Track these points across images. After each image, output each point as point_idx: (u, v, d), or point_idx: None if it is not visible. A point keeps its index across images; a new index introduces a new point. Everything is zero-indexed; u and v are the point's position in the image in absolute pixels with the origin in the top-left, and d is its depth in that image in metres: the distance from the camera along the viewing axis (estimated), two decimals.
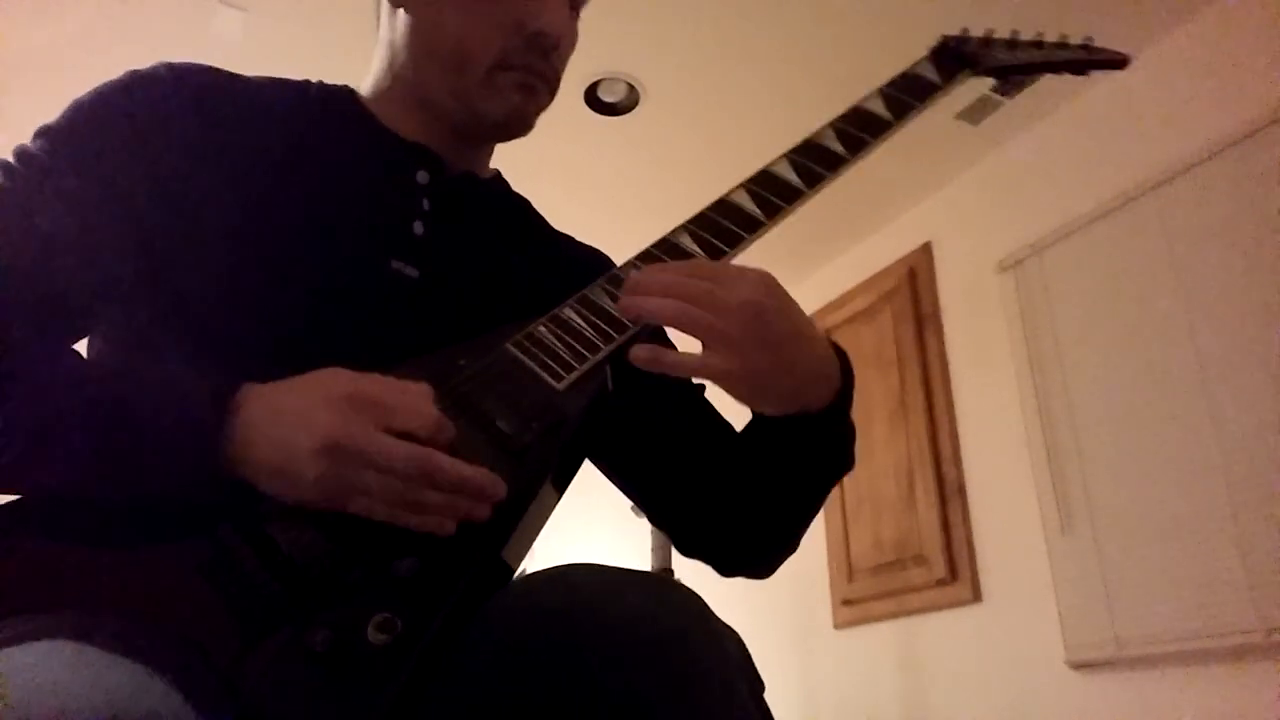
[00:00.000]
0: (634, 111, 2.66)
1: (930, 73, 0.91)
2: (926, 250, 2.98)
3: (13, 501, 0.61)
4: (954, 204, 2.92)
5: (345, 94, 0.83)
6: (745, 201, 0.79)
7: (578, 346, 0.70)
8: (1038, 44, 0.99)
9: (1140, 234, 2.32)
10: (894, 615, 2.78)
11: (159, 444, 0.58)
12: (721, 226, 0.78)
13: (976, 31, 0.99)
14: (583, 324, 0.72)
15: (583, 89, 2.57)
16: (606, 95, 2.61)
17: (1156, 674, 2.10)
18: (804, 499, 0.80)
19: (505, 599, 0.59)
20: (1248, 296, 2.06)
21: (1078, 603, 2.27)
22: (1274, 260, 2.03)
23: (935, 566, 2.65)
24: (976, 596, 2.55)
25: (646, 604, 0.55)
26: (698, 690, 0.53)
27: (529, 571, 0.64)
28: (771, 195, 0.79)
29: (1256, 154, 2.10)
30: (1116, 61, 1.00)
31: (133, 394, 0.60)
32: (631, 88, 2.58)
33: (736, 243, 0.77)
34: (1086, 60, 0.99)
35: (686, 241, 0.77)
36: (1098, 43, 1.01)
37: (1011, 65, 0.97)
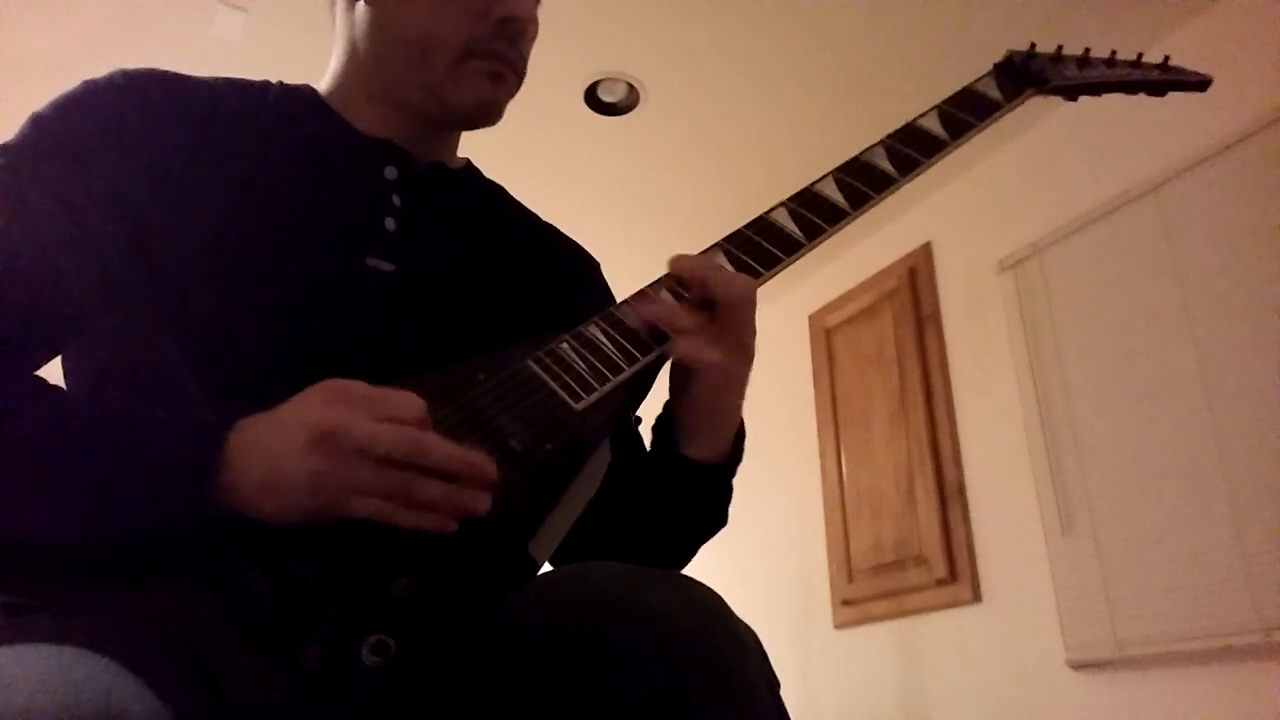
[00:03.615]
0: (634, 111, 2.66)
1: (993, 90, 0.86)
2: (926, 250, 2.98)
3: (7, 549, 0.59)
4: (954, 204, 2.92)
5: (306, 93, 0.82)
6: (785, 221, 0.76)
7: (600, 366, 0.68)
8: (1110, 62, 0.93)
9: (1140, 234, 2.32)
10: (894, 615, 2.77)
11: (149, 482, 0.57)
12: (759, 247, 0.75)
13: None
14: (606, 343, 0.70)
15: (583, 89, 2.57)
16: (606, 95, 2.61)
17: (1156, 674, 2.10)
18: (673, 539, 0.80)
19: (526, 595, 0.59)
20: (1248, 296, 2.06)
21: (1078, 603, 2.27)
22: (1274, 260, 2.03)
23: (935, 566, 2.65)
24: (976, 596, 2.55)
25: (668, 600, 0.55)
26: (719, 687, 0.52)
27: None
28: (814, 216, 0.75)
29: (1256, 154, 2.10)
30: (1198, 83, 0.93)
31: (121, 431, 0.59)
32: (631, 88, 2.58)
33: (773, 264, 0.74)
34: (1165, 81, 0.93)
35: (721, 260, 0.74)
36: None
37: (1082, 85, 0.90)
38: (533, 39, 0.81)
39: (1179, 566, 2.07)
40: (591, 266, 0.92)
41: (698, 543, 0.81)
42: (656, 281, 0.75)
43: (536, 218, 0.91)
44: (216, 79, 0.79)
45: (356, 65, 0.80)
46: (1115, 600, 2.19)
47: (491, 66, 0.77)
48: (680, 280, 0.73)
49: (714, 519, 0.80)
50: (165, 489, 0.57)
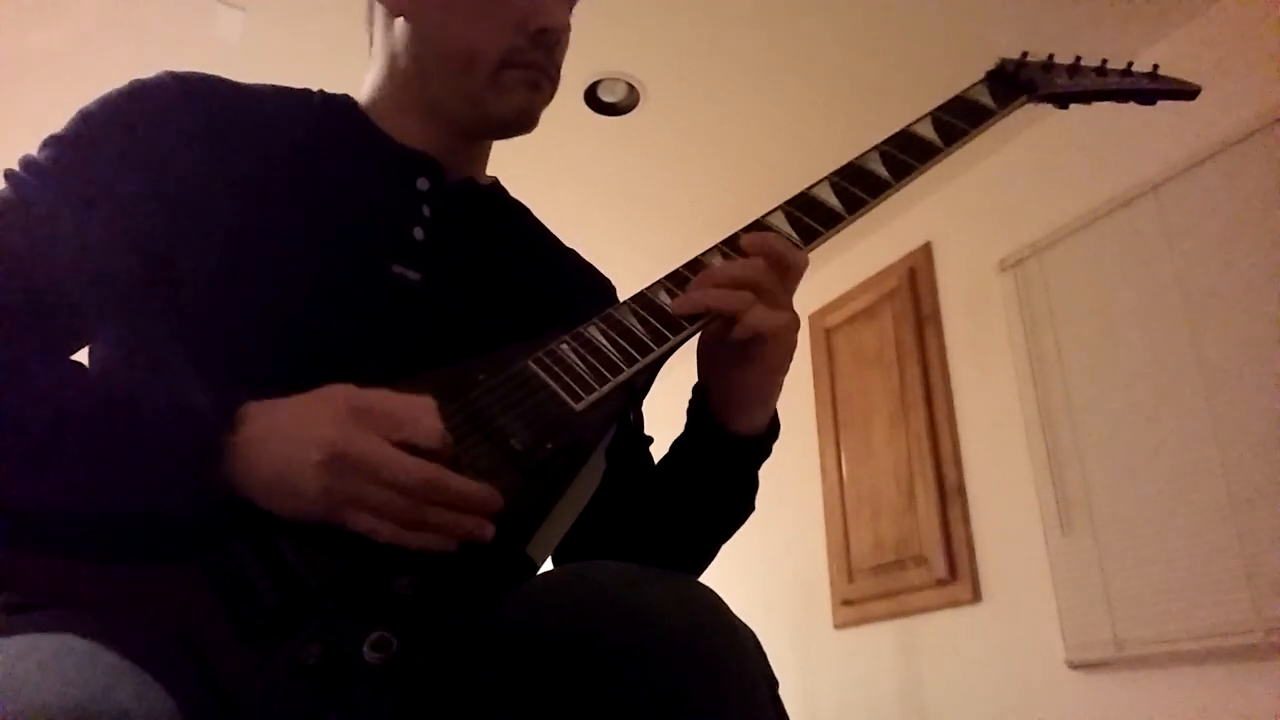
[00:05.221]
0: (634, 111, 2.66)
1: (985, 97, 0.87)
2: (926, 250, 2.99)
3: (17, 517, 0.60)
4: (954, 204, 2.92)
5: (346, 103, 0.84)
6: (782, 224, 0.77)
7: (599, 367, 0.69)
8: (1101, 70, 0.95)
9: (1140, 234, 2.32)
10: (894, 615, 2.77)
11: (159, 459, 0.58)
12: None
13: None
14: (606, 344, 0.70)
15: (583, 89, 2.57)
16: (606, 95, 2.61)
17: (1156, 674, 2.10)
18: (712, 526, 0.81)
19: (525, 595, 0.60)
20: (1248, 296, 2.06)
21: (1078, 603, 2.27)
22: (1274, 260, 2.03)
23: (935, 566, 2.65)
24: (976, 596, 2.55)
25: (667, 600, 0.55)
26: (718, 686, 0.53)
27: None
28: (810, 220, 0.76)
29: (1256, 154, 2.10)
30: (1187, 92, 0.95)
31: (134, 407, 0.60)
32: (631, 88, 2.58)
33: None
34: (1154, 90, 0.95)
35: (719, 263, 0.74)
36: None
37: (1073, 93, 0.92)
38: (565, 48, 0.83)
39: (1179, 566, 2.08)
40: (608, 292, 0.93)
41: (729, 529, 0.81)
42: (708, 251, 0.76)
43: (558, 240, 0.93)
44: (261, 85, 0.81)
45: (396, 79, 0.82)
46: (1115, 600, 2.19)
47: (529, 76, 0.79)
48: (736, 246, 0.75)
49: (748, 498, 0.81)
50: (166, 475, 0.58)
